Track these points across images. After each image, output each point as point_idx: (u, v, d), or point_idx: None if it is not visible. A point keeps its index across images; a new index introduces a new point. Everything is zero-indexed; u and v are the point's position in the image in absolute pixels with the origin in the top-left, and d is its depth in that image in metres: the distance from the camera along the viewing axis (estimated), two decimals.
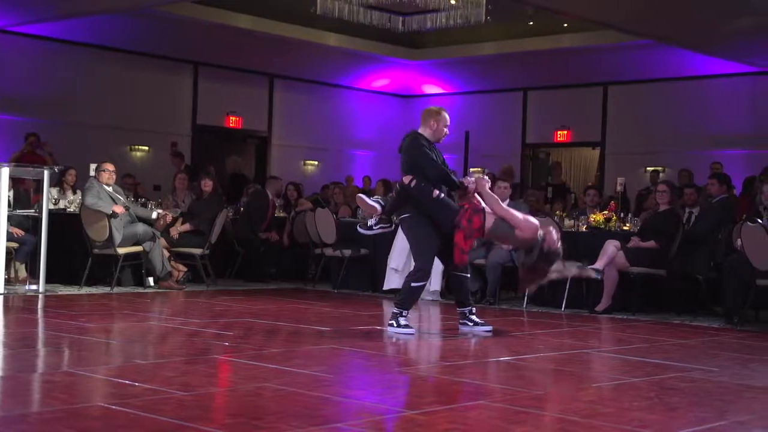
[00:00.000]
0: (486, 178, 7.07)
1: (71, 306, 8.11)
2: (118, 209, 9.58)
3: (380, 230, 7.25)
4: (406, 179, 6.94)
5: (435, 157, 6.96)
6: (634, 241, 8.98)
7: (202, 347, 6.05)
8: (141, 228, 9.81)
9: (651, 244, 8.90)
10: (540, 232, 6.77)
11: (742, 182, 12.55)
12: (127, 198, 10.47)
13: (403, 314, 6.92)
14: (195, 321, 7.47)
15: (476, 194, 6.94)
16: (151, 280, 10.01)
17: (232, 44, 15.21)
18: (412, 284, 6.94)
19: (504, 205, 7.05)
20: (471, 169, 17.68)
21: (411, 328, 6.90)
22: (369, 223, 7.23)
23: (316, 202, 12.95)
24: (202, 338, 6.46)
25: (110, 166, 10.00)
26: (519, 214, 6.88)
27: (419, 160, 6.90)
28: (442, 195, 6.89)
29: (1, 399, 4.33)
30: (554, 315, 8.74)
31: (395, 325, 6.87)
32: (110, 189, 9.82)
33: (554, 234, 6.85)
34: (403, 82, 18.36)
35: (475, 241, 7.03)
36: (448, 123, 7.17)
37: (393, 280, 9.93)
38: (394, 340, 6.69)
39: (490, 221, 6.80)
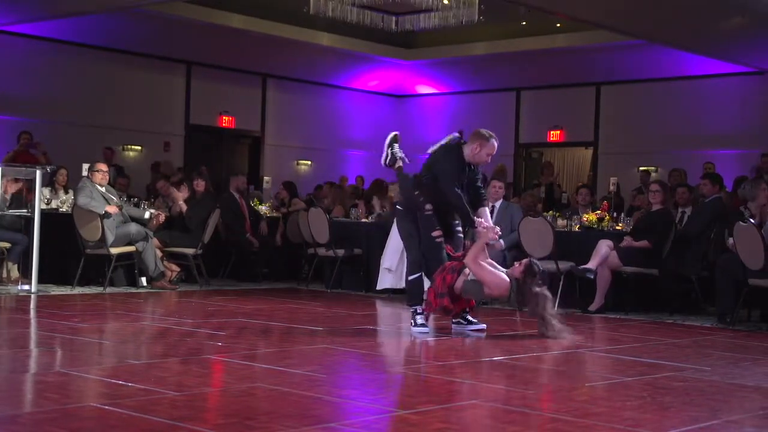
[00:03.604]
0: (495, 234, 6.90)
1: (64, 306, 8.10)
2: (111, 209, 9.56)
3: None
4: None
5: (459, 179, 6.89)
6: (627, 241, 8.99)
7: (195, 347, 6.04)
8: (134, 228, 9.79)
9: (644, 243, 8.91)
10: (510, 285, 6.74)
11: (732, 182, 12.58)
12: (120, 198, 10.45)
13: (418, 312, 7.03)
14: (188, 321, 7.46)
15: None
16: (143, 280, 9.99)
17: (225, 44, 15.19)
18: (409, 278, 7.08)
19: (483, 262, 6.93)
20: None
21: (426, 326, 7.01)
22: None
23: (309, 202, 12.96)
24: (195, 338, 6.45)
25: (103, 166, 9.99)
26: (489, 272, 6.80)
27: (442, 177, 6.88)
28: (431, 211, 6.92)
29: None
30: None
31: (413, 324, 7.05)
32: (103, 189, 9.80)
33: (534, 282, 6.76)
34: (397, 82, 18.36)
35: (445, 299, 6.94)
36: (493, 152, 7.08)
37: (386, 280, 9.94)
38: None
39: (460, 281, 6.81)
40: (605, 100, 16.57)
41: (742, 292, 8.17)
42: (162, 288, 9.85)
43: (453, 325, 7.14)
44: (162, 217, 10.33)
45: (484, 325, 7.12)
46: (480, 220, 6.92)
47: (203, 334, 6.63)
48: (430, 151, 7.12)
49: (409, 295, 7.16)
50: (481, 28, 14.57)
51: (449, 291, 6.78)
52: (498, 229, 7.02)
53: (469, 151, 7.03)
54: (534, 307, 6.75)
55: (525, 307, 6.98)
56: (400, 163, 7.19)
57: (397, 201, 7.26)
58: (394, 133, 7.42)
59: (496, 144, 7.10)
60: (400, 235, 7.37)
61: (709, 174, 10.84)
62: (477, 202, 7.06)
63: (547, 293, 6.82)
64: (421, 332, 6.95)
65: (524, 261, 6.89)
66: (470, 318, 7.13)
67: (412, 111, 18.98)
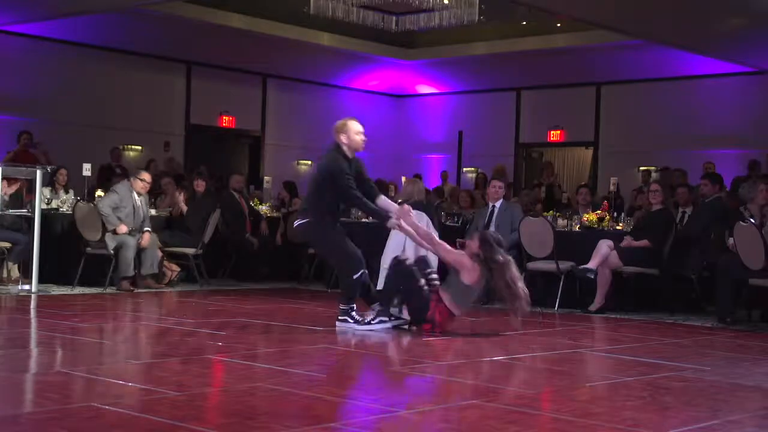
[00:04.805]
0: (407, 207, 6.98)
1: (64, 306, 8.09)
2: (121, 229, 9.50)
3: None
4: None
5: (351, 177, 6.89)
6: (627, 240, 8.99)
7: (196, 347, 6.04)
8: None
9: (644, 243, 8.91)
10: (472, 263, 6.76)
11: (731, 182, 12.60)
12: (149, 209, 10.26)
13: (353, 308, 6.99)
14: (188, 321, 7.46)
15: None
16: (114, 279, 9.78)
17: (225, 44, 15.20)
18: (355, 277, 6.95)
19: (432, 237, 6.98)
20: (464, 169, 17.74)
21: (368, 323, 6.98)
22: None
23: None
24: (195, 338, 6.45)
25: (147, 176, 9.92)
26: (452, 252, 6.86)
27: (341, 190, 6.87)
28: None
29: None
30: (548, 315, 8.74)
31: (364, 321, 6.98)
32: (140, 199, 9.75)
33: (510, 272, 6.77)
34: (397, 82, 18.37)
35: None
36: (360, 129, 7.09)
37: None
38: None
39: (447, 297, 6.79)
40: (605, 100, 16.58)
41: (742, 292, 8.17)
42: (148, 287, 9.78)
43: (338, 323, 7.02)
44: (146, 239, 10.03)
45: (378, 326, 7.04)
46: (391, 208, 6.95)
47: (203, 334, 6.63)
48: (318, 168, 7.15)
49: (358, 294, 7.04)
50: (481, 28, 14.58)
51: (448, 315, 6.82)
52: (408, 207, 7.00)
53: (345, 146, 7.03)
54: (501, 280, 6.70)
55: (496, 291, 6.91)
56: None
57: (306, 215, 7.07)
58: None
59: (356, 121, 7.12)
60: (332, 248, 7.15)
61: (709, 174, 10.85)
62: (372, 194, 7.04)
63: (510, 258, 6.83)
64: (381, 328, 6.92)
65: (476, 234, 6.91)
66: (357, 316, 7.02)
67: (412, 111, 18.99)
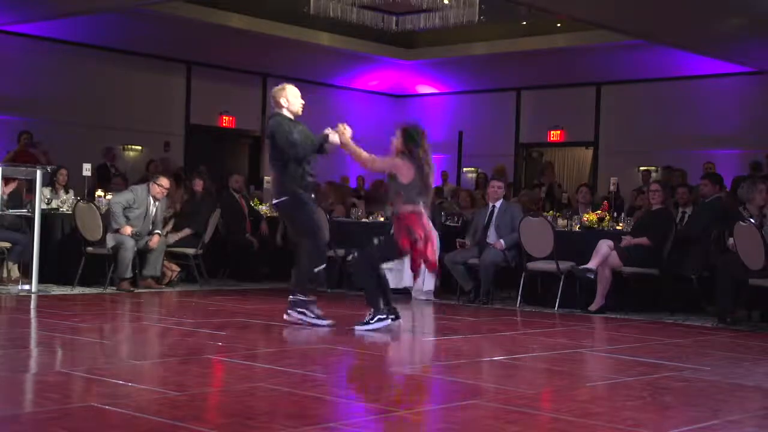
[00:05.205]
0: (342, 127, 7.03)
1: (64, 306, 8.10)
2: (125, 231, 9.50)
3: None
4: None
5: (298, 135, 6.96)
6: (627, 240, 8.99)
7: (196, 347, 6.04)
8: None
9: (643, 240, 8.90)
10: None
11: (731, 182, 12.60)
12: (166, 214, 10.26)
13: (311, 299, 7.08)
14: (188, 321, 7.46)
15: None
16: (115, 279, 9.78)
17: (225, 44, 15.20)
18: (315, 269, 7.09)
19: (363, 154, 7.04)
20: (464, 169, 17.74)
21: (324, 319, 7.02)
22: None
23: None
24: (195, 338, 6.45)
25: (165, 182, 9.90)
26: (383, 160, 6.93)
27: (285, 146, 6.95)
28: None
29: None
30: (547, 315, 8.75)
31: (311, 316, 7.03)
32: (155, 204, 9.75)
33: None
34: (397, 82, 18.36)
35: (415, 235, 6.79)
36: (296, 92, 7.18)
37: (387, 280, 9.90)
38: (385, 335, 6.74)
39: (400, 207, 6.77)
40: (605, 100, 16.58)
41: (742, 292, 8.17)
42: (148, 287, 9.78)
43: (292, 315, 7.03)
44: (155, 242, 10.06)
45: (330, 321, 7.05)
46: (325, 133, 7.04)
47: (203, 334, 6.63)
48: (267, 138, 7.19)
49: (310, 284, 7.13)
50: (481, 28, 14.57)
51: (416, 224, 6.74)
52: (342, 127, 7.03)
53: (284, 109, 7.10)
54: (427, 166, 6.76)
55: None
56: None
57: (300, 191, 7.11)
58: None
59: (291, 87, 7.18)
60: (308, 228, 7.20)
61: (709, 174, 10.84)
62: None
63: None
64: (327, 324, 6.96)
65: (398, 131, 6.89)
66: (318, 312, 7.04)
67: (412, 111, 18.98)
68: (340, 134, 7.01)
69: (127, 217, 9.53)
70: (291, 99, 7.14)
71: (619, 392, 4.84)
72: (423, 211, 6.80)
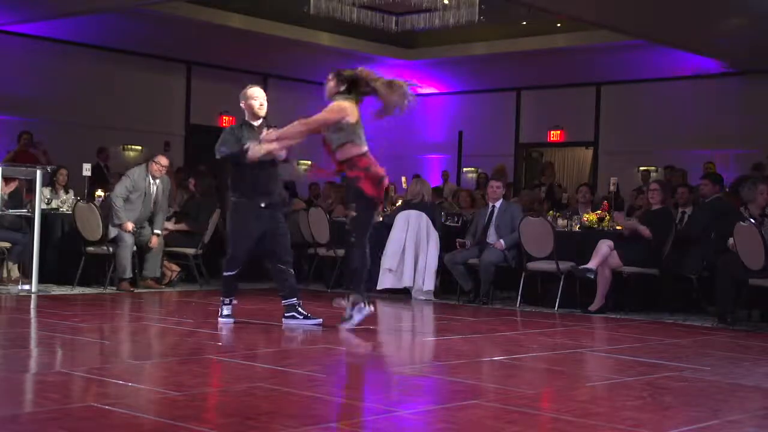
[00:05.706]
0: (268, 132, 6.83)
1: (64, 306, 8.10)
2: (126, 227, 9.49)
3: None
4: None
5: (234, 143, 6.87)
6: (631, 223, 8.98)
7: (196, 347, 6.04)
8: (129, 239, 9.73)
9: (645, 230, 8.88)
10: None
11: (731, 182, 12.60)
12: (170, 197, 10.25)
13: (225, 302, 7.06)
14: (188, 321, 7.46)
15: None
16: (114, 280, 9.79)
17: (225, 44, 15.20)
18: (225, 274, 7.03)
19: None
20: (464, 169, 17.74)
21: (230, 317, 7.02)
22: None
23: (309, 202, 12.96)
24: (195, 338, 6.45)
25: (164, 160, 9.90)
26: (312, 118, 6.86)
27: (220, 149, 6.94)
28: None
29: None
30: (547, 315, 8.75)
31: (219, 315, 7.06)
32: (157, 182, 9.73)
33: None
34: None
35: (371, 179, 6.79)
36: (255, 95, 7.08)
37: (386, 280, 9.93)
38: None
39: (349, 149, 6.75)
40: (605, 100, 16.58)
41: (742, 292, 8.17)
42: (148, 287, 9.77)
43: (285, 320, 7.00)
44: (154, 242, 10.04)
45: (320, 320, 6.99)
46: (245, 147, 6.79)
47: (203, 334, 6.63)
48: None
49: (225, 288, 7.12)
50: (481, 28, 14.57)
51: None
52: (272, 130, 6.86)
53: (246, 114, 7.06)
54: (374, 83, 6.70)
55: (382, 97, 6.82)
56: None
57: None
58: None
59: (255, 88, 7.14)
60: (232, 234, 7.13)
61: (709, 174, 10.84)
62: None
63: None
64: (225, 322, 6.94)
65: (330, 75, 6.81)
66: (304, 312, 7.03)
67: (412, 111, 18.93)
68: (256, 151, 6.72)
69: (128, 200, 9.51)
70: (248, 102, 7.07)
71: (619, 392, 4.84)
72: (364, 151, 6.77)
